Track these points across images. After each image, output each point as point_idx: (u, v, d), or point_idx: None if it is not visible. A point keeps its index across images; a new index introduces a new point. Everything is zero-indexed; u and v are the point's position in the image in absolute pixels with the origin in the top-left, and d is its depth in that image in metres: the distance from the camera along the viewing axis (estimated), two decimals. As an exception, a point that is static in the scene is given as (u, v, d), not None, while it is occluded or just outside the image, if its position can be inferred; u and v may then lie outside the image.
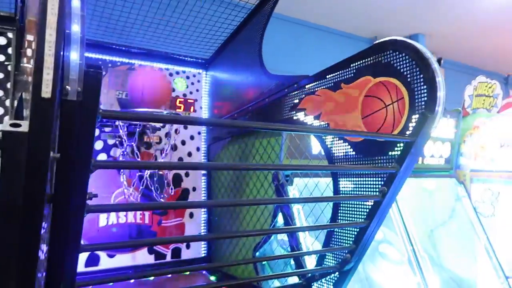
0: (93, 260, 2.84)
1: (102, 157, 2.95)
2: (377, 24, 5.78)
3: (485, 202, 3.44)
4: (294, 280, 2.13)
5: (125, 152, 2.90)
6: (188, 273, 3.04)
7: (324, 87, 2.00)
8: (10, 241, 0.76)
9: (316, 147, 2.44)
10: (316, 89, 2.06)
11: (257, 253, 2.59)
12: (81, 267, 2.77)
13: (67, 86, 0.83)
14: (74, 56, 0.81)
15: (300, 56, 5.13)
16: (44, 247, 0.91)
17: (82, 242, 2.69)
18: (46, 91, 0.63)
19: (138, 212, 3.02)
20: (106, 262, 2.88)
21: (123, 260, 2.94)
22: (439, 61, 5.36)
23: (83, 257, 2.79)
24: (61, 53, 0.66)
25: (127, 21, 2.76)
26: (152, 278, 2.88)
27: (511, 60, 7.72)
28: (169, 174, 3.13)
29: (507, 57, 7.52)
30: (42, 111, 0.65)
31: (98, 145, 2.95)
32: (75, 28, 0.79)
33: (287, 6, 5.07)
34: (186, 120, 2.21)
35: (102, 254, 2.87)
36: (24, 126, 0.66)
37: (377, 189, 1.61)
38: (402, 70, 1.61)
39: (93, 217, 2.85)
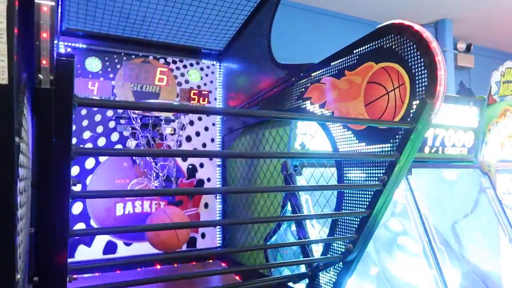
0: (111, 248, 2.93)
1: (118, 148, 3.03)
2: (402, 11, 5.58)
3: (511, 194, 3.28)
4: (302, 270, 2.12)
5: (141, 144, 2.97)
6: (206, 261, 3.09)
7: (328, 74, 1.96)
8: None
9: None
10: (321, 77, 2.02)
11: (268, 243, 2.60)
12: (99, 255, 2.87)
13: (39, 75, 0.85)
14: (44, 44, 0.83)
15: (319, 45, 5.04)
16: (22, 235, 0.94)
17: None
18: (2, 78, 0.64)
19: (154, 202, 3.08)
20: (123, 250, 2.97)
21: (139, 248, 3.02)
22: (468, 47, 5.19)
23: (100, 245, 2.89)
24: (15, 39, 0.67)
25: (139, 13, 2.80)
26: (162, 266, 2.94)
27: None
28: (182, 165, 3.18)
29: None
30: (1, 96, 0.67)
31: (115, 136, 3.03)
32: (44, 17, 0.81)
33: (306, -5, 4.99)
34: (174, 108, 2.20)
35: (119, 242, 2.96)
36: (-15, 113, 0.68)
37: (375, 178, 1.57)
38: (403, 55, 1.55)
39: (110, 206, 2.94)
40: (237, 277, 2.56)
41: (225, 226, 3.23)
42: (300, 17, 5.17)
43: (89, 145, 2.93)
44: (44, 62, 0.84)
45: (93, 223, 2.88)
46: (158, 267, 2.91)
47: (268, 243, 2.58)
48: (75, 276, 1.28)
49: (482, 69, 6.48)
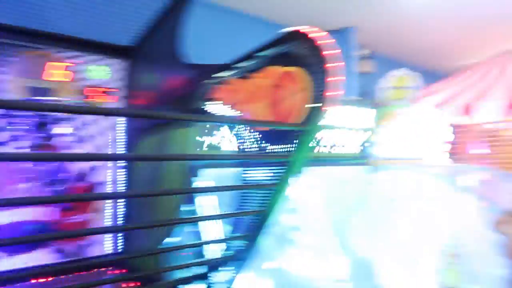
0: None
1: (6, 149, 2.71)
2: (312, 16, 5.85)
3: (392, 189, 3.64)
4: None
5: (31, 145, 2.71)
6: (95, 270, 2.89)
7: (236, 76, 1.98)
8: None
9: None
10: (228, 78, 2.03)
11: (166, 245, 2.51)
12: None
13: None
14: None
15: (233, 46, 5.07)
16: None
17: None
18: None
19: (43, 209, 2.81)
20: (7, 262, 2.66)
21: (24, 260, 2.73)
22: (370, 54, 5.60)
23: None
24: None
25: (37, 2, 2.55)
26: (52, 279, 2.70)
27: (441, 56, 8.17)
28: (73, 168, 2.95)
29: (430, 52, 7.96)
30: None
31: (4, 136, 2.71)
32: None
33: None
34: (69, 110, 2.04)
35: (2, 254, 2.65)
36: None
37: (276, 178, 1.62)
38: (304, 60, 1.62)
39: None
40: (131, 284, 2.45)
41: (120, 232, 3.08)
42: (212, 17, 5.14)
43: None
44: None
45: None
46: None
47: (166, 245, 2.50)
48: None
49: (382, 75, 7.10)
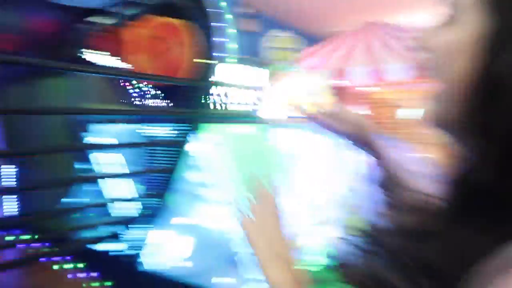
0: None
1: None
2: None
3: (288, 145, 3.91)
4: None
5: None
6: None
7: (113, 23, 1.82)
8: None
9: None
10: (106, 25, 1.86)
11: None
12: None
13: None
14: None
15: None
16: None
17: None
18: None
19: None
20: None
21: None
22: (255, 13, 5.57)
23: None
24: None
25: None
26: None
27: (320, 20, 8.60)
28: None
29: (318, 17, 8.36)
30: None
31: None
32: None
33: None
34: None
35: None
36: None
37: (178, 135, 1.60)
38: (187, 13, 1.57)
39: None
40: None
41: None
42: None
43: None
44: None
45: None
46: None
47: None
48: None
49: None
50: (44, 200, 2.63)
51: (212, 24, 1.48)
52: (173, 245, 2.57)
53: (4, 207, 2.73)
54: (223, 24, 1.50)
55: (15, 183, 2.80)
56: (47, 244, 2.27)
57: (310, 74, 4.39)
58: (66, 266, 2.00)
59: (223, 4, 1.58)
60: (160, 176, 1.74)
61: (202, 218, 2.91)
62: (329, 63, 5.65)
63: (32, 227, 2.62)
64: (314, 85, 4.39)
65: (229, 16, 1.55)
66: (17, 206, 2.83)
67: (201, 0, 1.47)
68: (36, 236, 2.39)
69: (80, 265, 2.06)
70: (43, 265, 1.97)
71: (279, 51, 4.22)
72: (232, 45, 1.53)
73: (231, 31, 1.56)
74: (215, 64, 1.48)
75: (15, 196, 2.82)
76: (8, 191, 2.69)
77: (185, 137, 1.62)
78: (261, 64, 3.72)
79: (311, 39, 9.01)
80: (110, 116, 2.22)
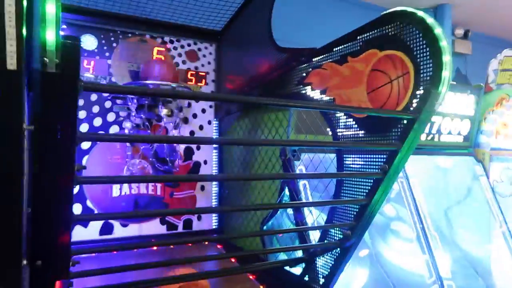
0: (107, 229, 2.93)
1: (114, 129, 3.00)
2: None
3: (504, 182, 3.33)
4: (299, 254, 2.14)
5: (136, 124, 2.94)
6: (202, 243, 3.11)
7: (330, 60, 1.94)
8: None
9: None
10: (323, 62, 1.99)
11: (264, 227, 2.62)
12: (95, 235, 2.88)
13: (45, 58, 0.83)
14: (50, 28, 0.80)
15: (319, 28, 4.98)
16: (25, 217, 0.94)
17: (96, 211, 2.77)
18: (11, 63, 0.62)
19: (150, 184, 3.08)
20: (119, 231, 2.98)
21: (136, 229, 3.03)
22: (465, 33, 5.16)
23: (97, 225, 2.89)
24: (26, 25, 0.65)
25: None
26: (159, 247, 2.96)
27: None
28: (179, 147, 3.17)
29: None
30: (9, 82, 0.65)
31: (111, 117, 2.99)
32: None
33: (306, -25, 4.89)
34: (173, 94, 2.17)
35: (116, 224, 2.96)
36: (-7, 98, 0.66)
37: (375, 166, 1.57)
38: (408, 43, 1.53)
39: (106, 187, 2.93)
40: (233, 260, 2.59)
41: (222, 213, 3.25)
42: (299, -1, 5.08)
43: (85, 126, 2.89)
44: (49, 45, 0.81)
45: (89, 204, 2.87)
46: (155, 248, 2.92)
47: (265, 227, 2.60)
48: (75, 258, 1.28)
49: (479, 56, 6.47)
50: (241, 220, 3.00)
51: (434, 51, 1.40)
52: (354, 276, 2.51)
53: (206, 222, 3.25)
54: (445, 48, 1.39)
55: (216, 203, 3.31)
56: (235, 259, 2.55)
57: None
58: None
59: (439, 31, 1.48)
60: (355, 207, 1.73)
61: (389, 252, 2.76)
62: None
63: (229, 243, 3.03)
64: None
65: (444, 44, 1.44)
66: (217, 221, 3.33)
67: (425, 27, 1.41)
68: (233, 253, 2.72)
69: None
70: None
71: (508, 72, 3.67)
72: (447, 73, 1.41)
73: (447, 58, 1.44)
74: (437, 94, 1.38)
75: (217, 214, 3.32)
76: (210, 211, 3.18)
77: (385, 169, 1.55)
78: (477, 90, 3.33)
79: None
80: (318, 147, 2.36)
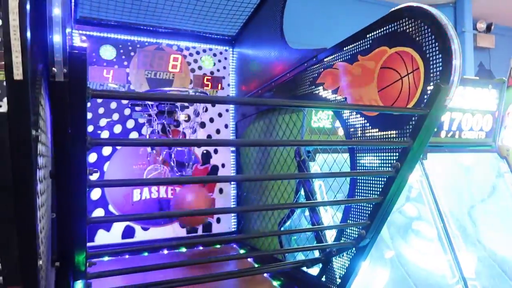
0: (129, 233, 3.01)
1: (133, 135, 3.08)
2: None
3: (530, 179, 3.22)
4: (316, 255, 2.14)
5: (155, 130, 3.01)
6: (219, 246, 3.15)
7: (341, 59, 1.94)
8: (6, 216, 0.83)
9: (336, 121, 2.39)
10: (334, 62, 2.00)
11: (282, 228, 2.63)
12: (117, 239, 2.96)
13: (53, 68, 0.87)
14: (56, 38, 0.85)
15: (331, 27, 4.95)
16: (44, 222, 0.98)
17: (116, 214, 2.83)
18: (17, 73, 0.67)
19: (170, 188, 3.14)
20: (141, 234, 3.05)
21: (156, 233, 3.10)
22: (488, 27, 5.03)
23: (119, 229, 2.97)
24: (31, 36, 0.69)
25: (151, 0, 2.80)
26: (184, 250, 3.01)
27: None
28: (197, 151, 3.22)
29: None
30: (16, 92, 0.70)
31: (130, 123, 3.08)
32: (56, 11, 0.82)
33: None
34: (189, 98, 2.22)
35: (137, 227, 3.04)
36: (4, 107, 0.70)
37: (389, 164, 1.56)
38: (417, 39, 1.51)
39: (127, 192, 3.01)
40: (249, 260, 2.61)
41: (240, 213, 3.27)
42: (311, 0, 5.07)
43: (105, 133, 2.98)
44: (57, 55, 0.86)
45: (111, 209, 2.95)
46: (177, 250, 2.98)
47: (282, 228, 2.61)
48: (94, 260, 1.33)
49: (503, 49, 6.29)
50: (259, 221, 3.02)
51: (444, 49, 1.38)
52: (375, 277, 2.47)
53: (225, 225, 3.28)
54: (455, 51, 1.37)
55: (235, 203, 3.34)
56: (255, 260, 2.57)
57: None
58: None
59: (448, 25, 1.46)
60: (369, 206, 1.71)
61: (410, 252, 2.71)
62: None
63: (246, 244, 3.05)
64: None
65: (454, 38, 1.41)
66: (236, 223, 3.36)
67: (436, 23, 1.39)
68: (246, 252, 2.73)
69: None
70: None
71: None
72: (457, 66, 1.37)
73: (457, 52, 1.41)
74: (447, 89, 1.36)
75: (235, 215, 3.35)
76: (228, 211, 3.20)
77: (405, 167, 1.54)
78: (499, 84, 3.23)
79: None
80: (331, 146, 2.36)
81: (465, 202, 3.10)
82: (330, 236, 2.17)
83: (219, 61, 3.43)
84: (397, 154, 1.58)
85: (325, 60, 2.05)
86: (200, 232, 3.25)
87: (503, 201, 3.16)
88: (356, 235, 1.77)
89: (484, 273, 2.73)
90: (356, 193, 1.83)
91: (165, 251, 2.94)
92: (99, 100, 2.98)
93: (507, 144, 3.29)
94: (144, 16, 3.00)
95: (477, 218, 3.07)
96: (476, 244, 2.94)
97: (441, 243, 2.66)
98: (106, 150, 2.98)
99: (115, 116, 3.03)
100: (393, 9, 1.64)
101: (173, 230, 3.15)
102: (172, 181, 2.50)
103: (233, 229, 3.35)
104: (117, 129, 3.03)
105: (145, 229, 3.06)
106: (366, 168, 1.77)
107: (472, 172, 3.22)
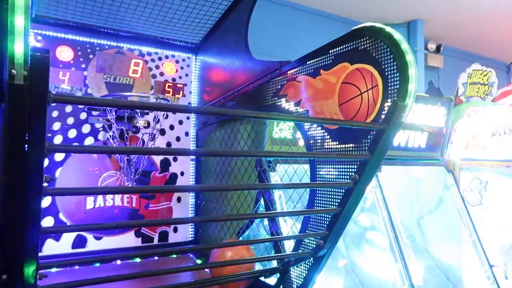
0: (80, 243, 2.88)
1: (89, 140, 2.96)
2: (375, 9, 5.69)
3: (473, 191, 3.44)
4: (274, 264, 2.16)
5: (114, 136, 2.91)
6: (175, 256, 3.09)
7: (304, 73, 1.99)
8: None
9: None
10: (297, 75, 2.04)
11: (240, 238, 2.62)
12: (67, 249, 2.81)
13: (12, 70, 0.83)
14: (18, 40, 0.81)
15: (294, 40, 5.07)
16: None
17: (68, 223, 2.71)
18: (-25, 75, 0.63)
19: (126, 196, 3.04)
20: (93, 244, 2.92)
21: (110, 242, 2.98)
22: (438, 48, 5.36)
23: (70, 239, 2.83)
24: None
25: (114, 2, 2.73)
26: (138, 260, 2.92)
27: (514, 48, 7.60)
28: (156, 158, 3.15)
29: (509, 45, 7.41)
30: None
31: (86, 128, 2.96)
32: (18, 9, 0.79)
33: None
34: (153, 106, 2.18)
35: (89, 236, 2.91)
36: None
37: (348, 176, 1.61)
38: (377, 57, 1.59)
39: (80, 200, 2.88)
40: (206, 270, 2.58)
41: (198, 223, 3.23)
42: (275, 12, 5.18)
43: (59, 137, 2.85)
44: (17, 57, 0.82)
45: (62, 217, 2.81)
46: (131, 260, 2.88)
47: (241, 237, 2.61)
48: (44, 272, 1.26)
49: (451, 69, 6.72)
50: (218, 231, 3.00)
51: (402, 63, 1.46)
52: (329, 286, 2.54)
53: (182, 234, 3.23)
54: (411, 62, 1.46)
55: (193, 214, 3.30)
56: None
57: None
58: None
59: (405, 46, 1.55)
60: (328, 217, 1.76)
61: (364, 263, 2.81)
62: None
63: (204, 254, 3.02)
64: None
65: (411, 58, 1.50)
66: (193, 232, 3.31)
67: (393, 42, 1.47)
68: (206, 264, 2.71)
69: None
70: None
71: (476, 86, 3.82)
72: (412, 86, 1.46)
73: (413, 72, 1.50)
74: (403, 106, 1.44)
75: (193, 224, 3.31)
76: (186, 221, 3.16)
77: (356, 179, 1.60)
78: (447, 102, 3.44)
79: (502, 68, 7.88)
80: (291, 157, 2.40)
81: (415, 213, 3.27)
82: (288, 245, 2.20)
83: (182, 68, 3.39)
84: (355, 166, 1.64)
85: (288, 72, 2.10)
86: (156, 241, 3.17)
87: (449, 212, 3.35)
88: (314, 245, 1.81)
89: (431, 281, 2.88)
90: (315, 204, 1.87)
91: (119, 261, 2.84)
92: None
93: (453, 158, 3.51)
94: (106, 18, 2.91)
95: (425, 228, 3.24)
96: (424, 253, 3.10)
97: (392, 252, 2.77)
98: (59, 156, 2.85)
99: (70, 120, 2.90)
100: (355, 27, 1.71)
101: (128, 240, 3.05)
102: (131, 190, 2.42)
103: (190, 239, 3.30)
104: (72, 133, 2.90)
105: (98, 238, 2.94)
106: (326, 179, 1.82)
107: (421, 184, 3.40)
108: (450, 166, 3.49)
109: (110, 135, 2.90)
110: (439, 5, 5.62)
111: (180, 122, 3.35)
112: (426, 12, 5.85)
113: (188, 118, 3.39)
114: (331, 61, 1.82)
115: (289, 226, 2.26)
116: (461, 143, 3.56)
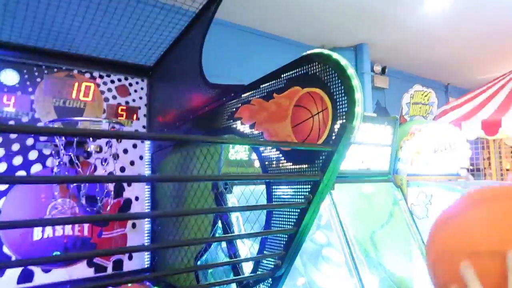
0: (27, 277, 2.70)
1: (36, 167, 2.82)
2: (324, 34, 5.97)
3: (420, 205, 3.63)
4: (233, 287, 2.14)
5: (62, 162, 2.80)
6: (129, 285, 2.97)
7: (258, 96, 2.05)
8: None
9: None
10: (251, 98, 2.10)
11: (199, 262, 2.59)
12: (12, 284, 2.63)
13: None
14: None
15: (249, 64, 5.19)
16: None
17: (14, 258, 2.56)
18: None
19: (77, 225, 2.91)
20: (41, 277, 2.75)
21: (60, 274, 2.82)
22: (383, 70, 5.68)
23: (15, 273, 2.65)
24: None
25: (63, 25, 2.67)
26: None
27: (450, 70, 8.23)
28: (109, 184, 3.05)
29: (447, 67, 8.01)
30: None
31: (33, 155, 2.82)
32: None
33: (235, 13, 5.13)
34: (108, 134, 2.12)
35: (37, 270, 2.74)
36: None
37: (303, 196, 1.66)
38: (326, 82, 1.68)
39: (26, 231, 2.72)
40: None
41: (153, 250, 3.15)
42: (229, 35, 5.29)
43: (3, 165, 2.69)
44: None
45: (6, 250, 2.63)
46: (81, 293, 2.74)
47: (199, 262, 2.57)
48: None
49: (396, 89, 7.14)
50: (175, 256, 2.95)
51: (349, 87, 1.55)
52: None
53: (137, 261, 3.14)
54: (357, 87, 1.55)
55: (149, 240, 3.22)
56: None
57: (452, 129, 4.11)
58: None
59: (351, 71, 1.66)
60: (284, 237, 1.80)
61: (321, 278, 2.86)
62: (478, 115, 5.17)
63: (161, 280, 2.94)
64: (455, 140, 4.08)
65: (356, 82, 1.61)
66: (149, 259, 3.23)
67: (340, 69, 1.56)
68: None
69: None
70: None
71: (418, 105, 4.09)
72: (359, 109, 1.56)
73: (359, 95, 1.60)
74: (352, 128, 1.52)
75: (148, 252, 3.22)
76: (142, 249, 3.08)
77: (310, 199, 1.66)
78: (394, 120, 3.66)
79: (454, 91, 8.49)
80: (247, 180, 2.43)
81: (368, 228, 3.39)
82: (247, 267, 2.20)
83: (135, 91, 3.35)
84: (309, 186, 1.70)
85: (243, 96, 2.15)
86: (110, 271, 3.04)
87: (399, 226, 3.51)
88: (273, 266, 1.83)
89: (386, 294, 2.97)
90: (272, 224, 1.90)
91: (70, 294, 2.69)
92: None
93: (401, 174, 3.70)
94: (55, 41, 2.84)
95: (378, 242, 3.36)
96: (378, 266, 3.20)
97: (348, 267, 2.84)
98: (2, 186, 2.68)
99: (15, 147, 2.76)
100: (304, 53, 1.80)
101: (80, 271, 2.90)
102: (83, 220, 2.31)
103: (146, 266, 3.20)
104: (17, 160, 2.76)
105: (46, 271, 2.77)
106: (282, 199, 1.86)
107: (373, 200, 3.54)
108: (398, 182, 3.68)
109: (58, 163, 2.79)
110: (382, 31, 6.01)
111: (134, 146, 3.29)
112: (371, 37, 6.22)
113: (142, 141, 3.33)
114: (283, 85, 1.90)
115: (247, 248, 2.27)
116: (407, 159, 3.77)
